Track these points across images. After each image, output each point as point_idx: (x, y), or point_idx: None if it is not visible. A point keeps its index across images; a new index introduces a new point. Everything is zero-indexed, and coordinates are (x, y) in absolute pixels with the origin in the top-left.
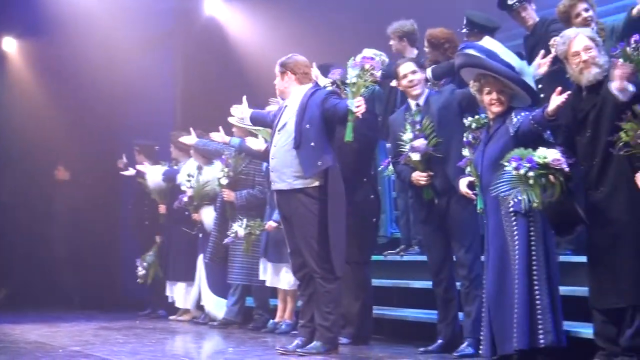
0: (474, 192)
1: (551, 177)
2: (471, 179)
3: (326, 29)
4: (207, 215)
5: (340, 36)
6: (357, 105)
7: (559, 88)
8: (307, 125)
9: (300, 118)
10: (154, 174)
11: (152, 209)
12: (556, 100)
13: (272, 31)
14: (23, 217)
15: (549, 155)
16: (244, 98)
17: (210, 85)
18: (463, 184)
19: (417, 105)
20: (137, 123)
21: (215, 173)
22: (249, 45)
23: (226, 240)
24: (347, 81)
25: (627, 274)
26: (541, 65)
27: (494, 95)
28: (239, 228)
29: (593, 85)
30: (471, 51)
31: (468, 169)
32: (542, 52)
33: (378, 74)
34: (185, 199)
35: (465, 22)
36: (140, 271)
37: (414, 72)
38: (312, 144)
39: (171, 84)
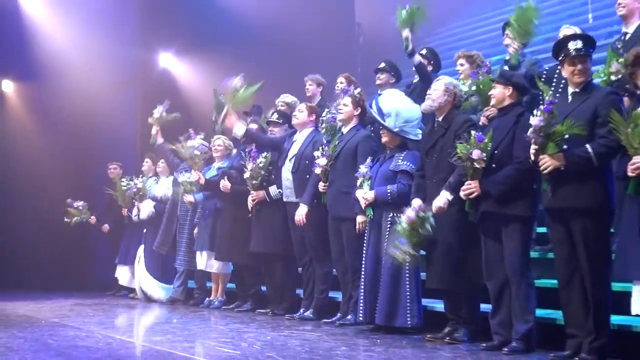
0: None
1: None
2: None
3: (258, 75)
4: (145, 207)
5: (267, 79)
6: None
7: None
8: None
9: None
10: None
11: (117, 214)
12: None
13: (211, 78)
14: (18, 221)
15: (403, 218)
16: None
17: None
18: (360, 194)
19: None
20: (106, 148)
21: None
22: (193, 89)
23: None
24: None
25: (444, 266)
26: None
27: (385, 135)
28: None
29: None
30: (372, 107)
31: (360, 181)
32: None
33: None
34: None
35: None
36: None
37: (345, 105)
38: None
39: (133, 119)
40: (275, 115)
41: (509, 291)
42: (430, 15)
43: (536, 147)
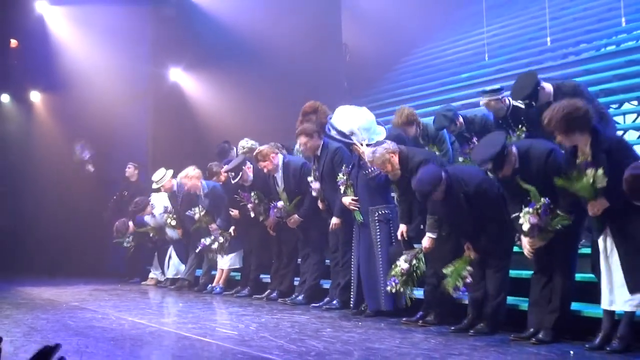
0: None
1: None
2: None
3: (256, 89)
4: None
5: (264, 92)
6: None
7: None
8: None
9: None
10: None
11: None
12: None
13: (218, 93)
14: (46, 217)
15: (400, 264)
16: None
17: (172, 130)
18: (346, 200)
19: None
20: (121, 152)
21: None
22: (200, 102)
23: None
24: None
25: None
26: None
27: (356, 150)
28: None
29: None
30: (331, 132)
31: (343, 189)
32: None
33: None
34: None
35: None
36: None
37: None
38: None
39: (145, 127)
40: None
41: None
42: (407, 36)
43: (531, 240)
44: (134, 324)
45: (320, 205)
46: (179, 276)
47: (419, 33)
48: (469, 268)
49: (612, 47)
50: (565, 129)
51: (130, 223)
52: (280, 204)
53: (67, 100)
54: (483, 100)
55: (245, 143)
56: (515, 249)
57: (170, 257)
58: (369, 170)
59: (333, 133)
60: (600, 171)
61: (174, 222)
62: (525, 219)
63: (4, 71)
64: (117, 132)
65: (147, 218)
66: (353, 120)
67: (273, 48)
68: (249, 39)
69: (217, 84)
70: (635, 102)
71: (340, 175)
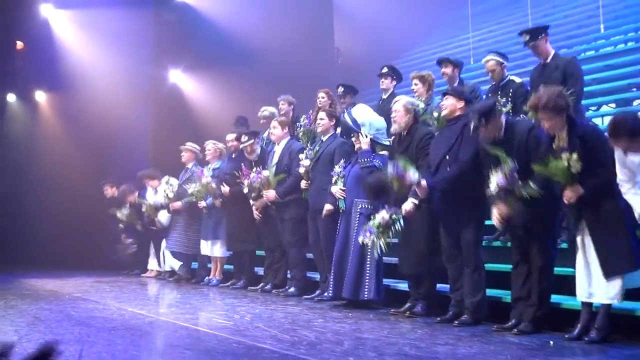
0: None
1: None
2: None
3: (251, 91)
4: (163, 216)
5: (259, 93)
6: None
7: None
8: None
9: None
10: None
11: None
12: None
13: (216, 94)
14: (51, 211)
15: (378, 217)
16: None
17: (171, 129)
18: (335, 189)
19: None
20: (122, 150)
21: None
22: (199, 102)
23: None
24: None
25: (412, 255)
26: None
27: (359, 142)
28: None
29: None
30: (346, 118)
31: (335, 179)
32: None
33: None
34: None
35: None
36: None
37: (322, 118)
38: None
39: (145, 126)
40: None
41: (464, 273)
42: (397, 40)
43: (498, 200)
44: (134, 315)
45: (303, 184)
46: (175, 270)
47: (409, 37)
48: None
49: (591, 53)
50: (554, 109)
51: (137, 193)
52: (265, 172)
53: (70, 100)
54: (487, 57)
55: (266, 110)
56: (497, 243)
57: (164, 251)
58: (364, 159)
59: (347, 118)
60: (574, 155)
61: (171, 194)
62: (494, 181)
63: (10, 72)
64: (118, 131)
65: (150, 192)
66: (370, 116)
67: (268, 51)
68: (245, 43)
69: (215, 85)
70: (613, 105)
71: (337, 167)
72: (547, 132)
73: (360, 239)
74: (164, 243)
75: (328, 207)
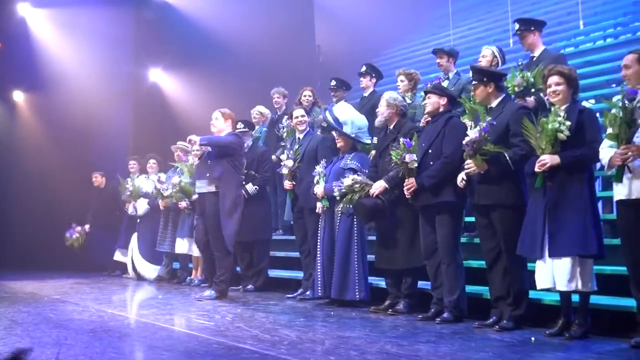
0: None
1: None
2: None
3: (232, 89)
4: (141, 205)
5: (240, 91)
6: None
7: None
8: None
9: None
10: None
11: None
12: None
13: (195, 91)
14: (28, 212)
15: (346, 181)
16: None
17: (152, 127)
18: (318, 189)
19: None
20: (102, 149)
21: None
22: (179, 101)
23: None
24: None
25: (392, 250)
26: None
27: (341, 140)
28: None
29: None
30: (327, 116)
31: (317, 178)
32: None
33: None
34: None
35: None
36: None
37: (303, 116)
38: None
39: (125, 126)
40: (241, 125)
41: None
42: (378, 38)
43: (468, 154)
44: (113, 316)
45: (288, 184)
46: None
47: (390, 35)
48: None
49: (570, 49)
50: (569, 81)
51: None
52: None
53: (49, 99)
54: (490, 47)
55: (261, 109)
56: (464, 239)
57: (133, 250)
58: (344, 157)
59: (328, 116)
60: (568, 122)
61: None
62: (470, 134)
63: None
64: (98, 131)
65: (141, 177)
66: (352, 114)
67: (248, 49)
68: (225, 41)
69: (195, 83)
70: (593, 101)
71: (318, 167)
72: (548, 98)
73: (334, 186)
74: (132, 251)
75: (319, 204)
